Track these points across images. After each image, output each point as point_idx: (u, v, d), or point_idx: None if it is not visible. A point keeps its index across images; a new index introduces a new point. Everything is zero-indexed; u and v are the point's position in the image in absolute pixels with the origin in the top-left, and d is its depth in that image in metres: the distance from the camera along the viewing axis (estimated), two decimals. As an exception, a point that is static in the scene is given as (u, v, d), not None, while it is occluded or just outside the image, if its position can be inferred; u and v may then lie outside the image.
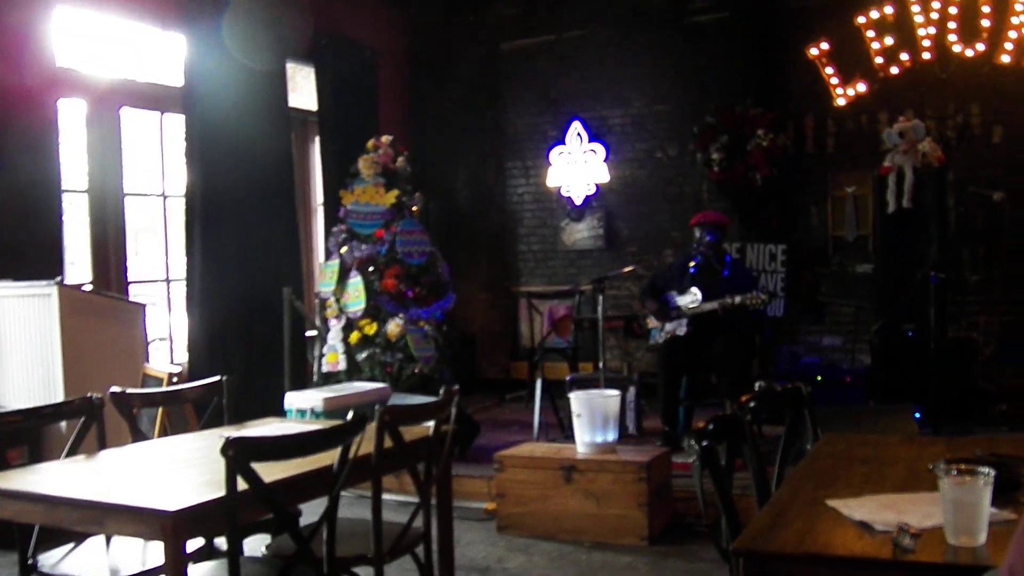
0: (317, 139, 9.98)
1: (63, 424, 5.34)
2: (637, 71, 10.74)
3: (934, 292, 7.63)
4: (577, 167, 10.79)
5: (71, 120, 7.76)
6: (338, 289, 8.14)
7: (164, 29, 8.28)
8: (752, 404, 3.52)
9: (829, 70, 9.60)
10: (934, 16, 9.08)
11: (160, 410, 6.32)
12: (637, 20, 10.59)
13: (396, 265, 8.06)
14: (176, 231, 8.55)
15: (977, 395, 8.29)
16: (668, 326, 7.71)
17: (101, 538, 3.91)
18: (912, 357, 7.97)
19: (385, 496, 3.90)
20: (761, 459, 3.39)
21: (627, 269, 8.74)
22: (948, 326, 8.39)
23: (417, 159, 9.03)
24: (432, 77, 11.38)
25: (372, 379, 7.83)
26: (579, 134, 10.77)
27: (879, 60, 9.35)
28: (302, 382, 8.32)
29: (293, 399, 7.11)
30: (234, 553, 3.18)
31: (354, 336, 7.98)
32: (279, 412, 7.00)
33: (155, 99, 8.41)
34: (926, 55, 9.19)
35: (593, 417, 6.33)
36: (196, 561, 3.80)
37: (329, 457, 3.45)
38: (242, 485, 3.09)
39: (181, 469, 3.78)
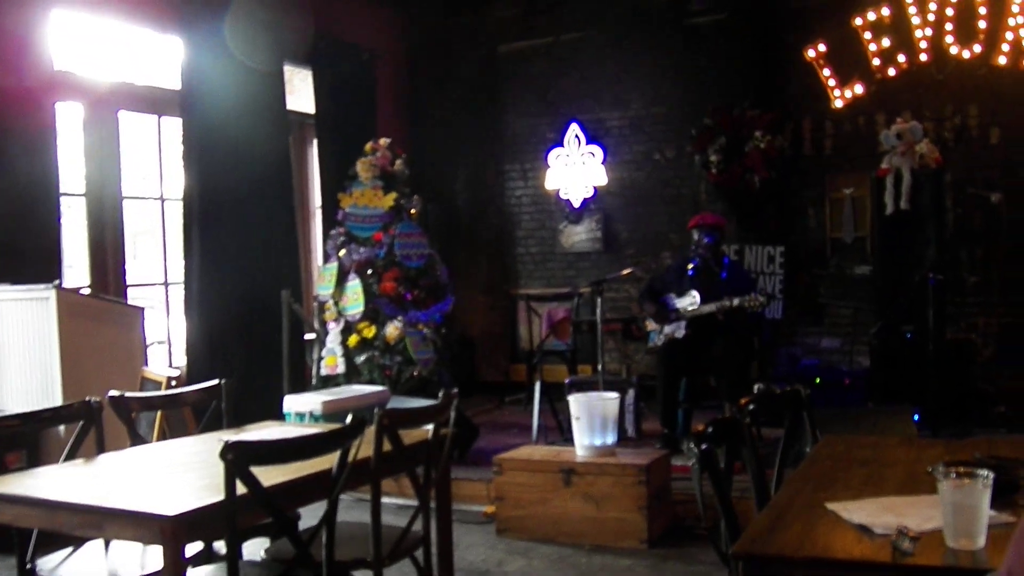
0: (315, 142, 9.98)
1: (61, 428, 5.34)
2: (635, 73, 10.75)
3: (932, 294, 7.64)
4: (575, 169, 10.79)
5: (69, 123, 7.76)
6: (337, 292, 8.14)
7: (161, 32, 8.28)
8: (751, 406, 3.52)
9: (827, 72, 9.61)
10: (931, 18, 9.09)
11: (159, 414, 6.32)
12: (635, 22, 10.59)
13: (395, 268, 8.06)
14: (174, 234, 8.55)
15: (976, 397, 8.29)
16: (667, 328, 7.71)
17: (100, 542, 3.91)
18: (911, 359, 7.98)
19: (384, 499, 3.90)
20: (760, 461, 3.39)
21: (625, 271, 8.72)
22: (947, 328, 8.40)
23: (415, 162, 9.03)
24: (430, 79, 11.38)
25: (371, 382, 7.83)
26: (577, 136, 10.77)
27: (876, 62, 9.36)
28: (301, 385, 8.32)
29: (292, 402, 7.11)
30: (233, 557, 3.17)
31: (353, 339, 7.98)
32: (278, 415, 7.00)
33: (153, 102, 8.41)
34: (923, 57, 9.20)
35: (592, 420, 6.33)
36: (195, 565, 3.80)
37: (328, 461, 3.45)
38: (241, 489, 3.09)
39: (180, 473, 3.77)
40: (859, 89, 9.50)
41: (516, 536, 6.31)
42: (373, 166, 8.29)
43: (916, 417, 6.70)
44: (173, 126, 8.47)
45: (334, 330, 8.12)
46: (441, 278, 8.40)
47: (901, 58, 9.26)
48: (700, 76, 10.37)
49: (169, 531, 3.02)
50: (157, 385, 6.60)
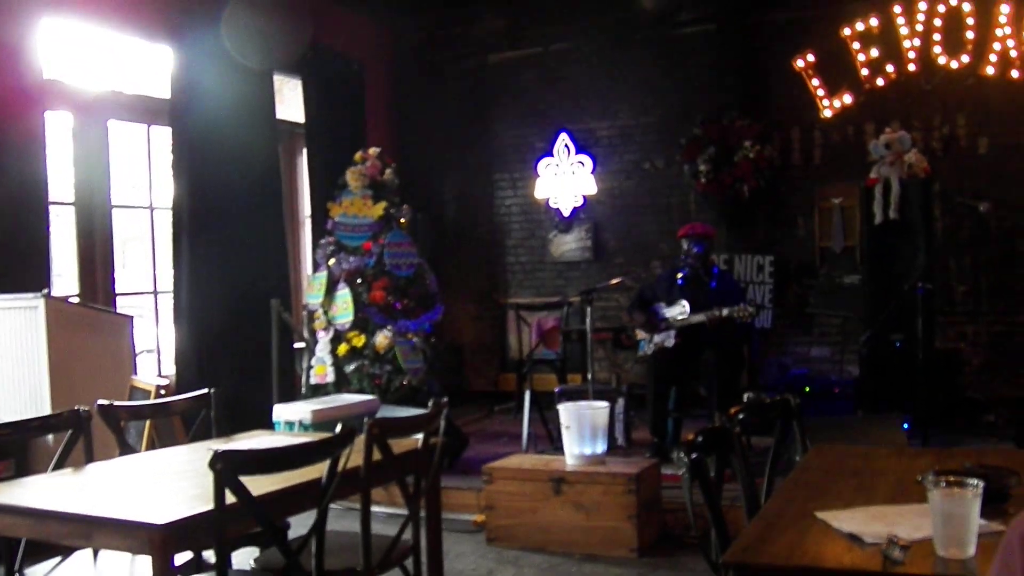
0: (305, 151, 9.96)
1: (50, 437, 5.31)
2: (624, 83, 10.77)
3: (921, 303, 7.66)
4: (565, 179, 10.80)
5: (58, 132, 7.74)
6: (326, 301, 8.13)
7: (151, 41, 8.27)
8: (741, 415, 3.52)
9: (815, 82, 9.63)
10: (919, 28, 9.12)
11: (148, 423, 6.29)
12: (624, 32, 10.61)
13: (384, 277, 8.06)
14: (163, 243, 8.53)
15: (965, 405, 8.33)
16: (656, 338, 7.71)
17: (88, 552, 3.90)
18: (900, 368, 8.00)
19: (374, 508, 3.89)
20: (750, 470, 3.39)
21: (615, 281, 8.74)
22: (936, 336, 8.42)
23: (405, 171, 9.02)
24: (420, 89, 11.38)
25: (360, 391, 7.81)
26: (567, 146, 10.78)
27: (865, 72, 9.38)
28: (290, 394, 8.30)
29: (281, 411, 7.10)
30: (222, 567, 3.17)
31: (342, 348, 7.97)
32: (267, 424, 6.98)
33: (142, 111, 8.39)
34: (912, 67, 9.22)
35: (582, 429, 6.33)
36: (184, 575, 3.79)
37: (318, 470, 3.44)
38: (230, 498, 3.08)
39: (169, 482, 3.76)
40: (848, 99, 9.52)
41: (506, 545, 6.30)
42: (363, 175, 8.28)
43: (905, 426, 6.72)
44: (163, 135, 8.45)
45: (323, 339, 8.11)
46: (431, 287, 8.40)
47: (889, 68, 9.29)
48: (689, 86, 10.39)
49: (158, 540, 3.01)
50: (146, 394, 6.58)
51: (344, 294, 8.03)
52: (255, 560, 3.97)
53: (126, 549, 3.38)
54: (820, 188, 9.91)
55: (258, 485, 3.22)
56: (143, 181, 8.67)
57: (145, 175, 8.61)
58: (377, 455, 3.76)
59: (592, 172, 10.73)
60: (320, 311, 8.17)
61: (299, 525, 3.85)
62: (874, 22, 9.27)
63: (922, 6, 9.07)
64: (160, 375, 8.40)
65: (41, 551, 3.80)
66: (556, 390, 7.99)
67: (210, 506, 3.08)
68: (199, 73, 8.30)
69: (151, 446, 6.18)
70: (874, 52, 9.32)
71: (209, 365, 8.20)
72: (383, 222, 8.20)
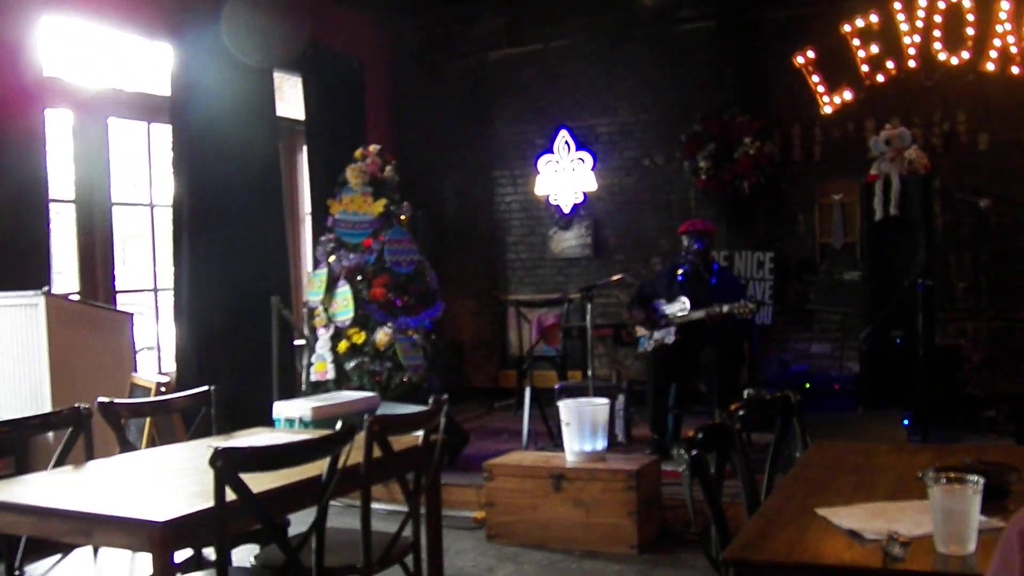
0: (305, 148, 9.96)
1: (50, 435, 5.32)
2: (624, 80, 10.76)
3: (922, 299, 7.66)
4: (565, 175, 10.80)
5: (58, 129, 7.74)
6: (326, 298, 8.13)
7: (151, 39, 8.27)
8: (741, 412, 3.52)
9: (815, 78, 9.62)
10: (919, 25, 9.11)
11: (148, 420, 6.29)
12: (623, 29, 10.60)
13: (384, 274, 8.06)
14: (164, 240, 8.53)
15: (965, 401, 8.33)
16: (656, 334, 7.71)
17: (89, 549, 3.90)
18: (900, 364, 8.00)
19: (374, 505, 3.89)
20: (750, 467, 3.40)
21: (615, 277, 8.73)
22: (936, 333, 8.41)
23: (405, 168, 9.02)
24: (420, 87, 11.37)
25: (361, 388, 7.81)
26: (567, 143, 10.77)
27: (865, 68, 9.37)
28: (290, 391, 8.30)
29: (281, 408, 7.10)
30: (222, 564, 3.17)
31: (342, 345, 7.97)
32: (268, 422, 6.99)
33: (143, 109, 8.39)
34: (912, 63, 9.22)
35: (582, 425, 6.33)
36: (184, 572, 3.80)
37: (318, 467, 3.44)
38: (231, 495, 3.08)
39: (169, 479, 3.77)
40: (848, 95, 9.52)
41: (506, 542, 6.30)
42: (363, 172, 8.28)
43: (906, 422, 6.73)
44: (163, 132, 8.45)
45: (324, 336, 8.11)
46: (431, 284, 8.40)
47: (890, 65, 9.28)
48: (689, 83, 10.38)
49: (158, 538, 3.01)
50: (146, 391, 6.58)
51: (344, 291, 8.03)
52: (255, 557, 3.97)
53: (126, 546, 3.38)
54: (820, 184, 9.90)
55: (258, 482, 3.22)
56: (143, 179, 8.67)
57: (145, 172, 8.60)
58: (377, 452, 3.76)
59: (592, 169, 10.73)
60: (320, 308, 8.17)
61: (299, 522, 3.85)
62: (874, 18, 9.26)
63: (922, 2, 9.07)
64: (160, 372, 8.40)
65: (41, 548, 3.81)
66: (556, 387, 7.99)
67: (210, 503, 3.08)
68: (199, 71, 8.30)
69: (151, 444, 6.19)
70: (874, 48, 9.31)
71: (209, 362, 8.21)
72: (383, 219, 8.20)
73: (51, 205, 7.34)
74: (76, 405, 4.21)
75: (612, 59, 10.76)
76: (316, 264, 8.53)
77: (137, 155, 8.77)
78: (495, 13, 10.97)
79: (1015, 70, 8.84)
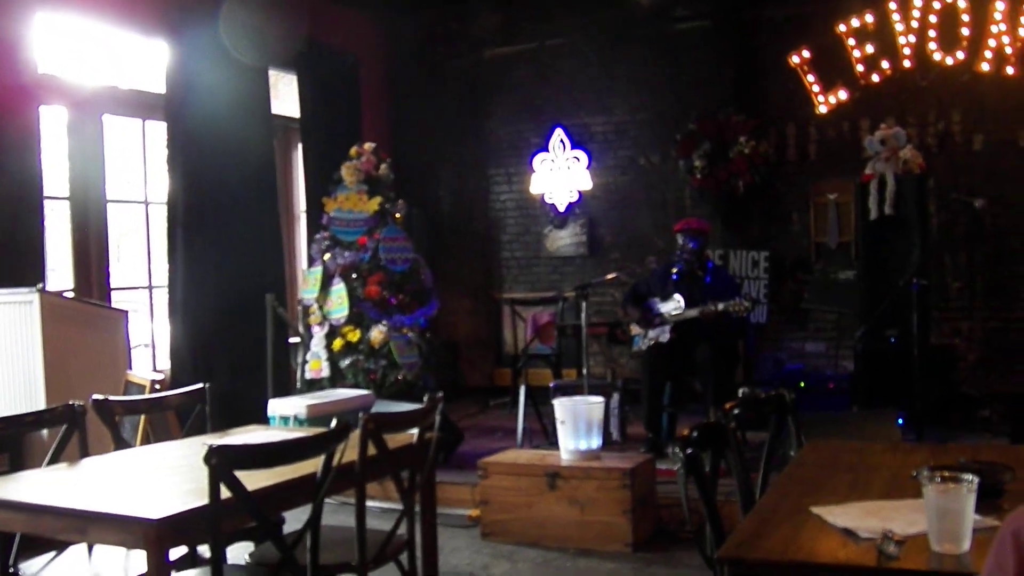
0: (300, 146, 9.96)
1: (45, 432, 5.31)
2: (620, 78, 10.76)
3: (916, 298, 7.66)
4: (560, 174, 10.79)
5: (53, 127, 7.73)
6: (321, 296, 8.12)
7: (147, 36, 8.26)
8: (736, 411, 3.52)
9: (810, 78, 9.62)
10: (914, 25, 9.11)
11: (143, 418, 6.29)
12: (619, 28, 10.60)
13: (379, 272, 8.05)
14: (158, 238, 8.52)
15: (960, 401, 8.34)
16: (651, 333, 7.71)
17: (83, 546, 3.90)
18: (895, 363, 8.00)
19: (369, 503, 3.89)
20: (745, 466, 3.40)
21: (610, 276, 8.73)
22: (931, 332, 8.44)
23: (400, 166, 9.03)
24: (415, 84, 11.37)
25: (355, 386, 7.81)
26: (562, 141, 10.77)
27: (860, 68, 9.37)
28: (285, 389, 8.30)
29: (276, 406, 7.09)
30: (217, 561, 3.17)
31: (337, 343, 7.97)
32: (262, 419, 6.98)
33: (137, 106, 8.39)
34: (907, 63, 9.22)
35: (577, 424, 6.34)
36: (179, 569, 3.79)
37: (313, 465, 3.44)
38: (225, 493, 3.08)
39: (164, 477, 3.76)
40: (843, 95, 9.52)
41: (501, 540, 6.30)
42: (358, 170, 8.28)
43: (900, 421, 6.73)
44: (158, 130, 8.44)
45: (319, 334, 8.11)
46: (426, 282, 8.39)
47: (885, 64, 9.29)
48: (684, 82, 10.38)
49: (153, 535, 3.01)
50: (141, 389, 6.58)
51: (339, 289, 8.03)
52: (250, 555, 3.97)
53: (121, 544, 3.38)
54: (815, 184, 9.91)
55: (253, 480, 3.21)
56: (138, 176, 8.66)
57: (140, 170, 8.59)
58: (372, 450, 3.76)
59: (587, 167, 10.72)
60: (315, 306, 8.16)
61: (294, 520, 3.85)
62: (869, 18, 9.26)
63: (917, 2, 9.06)
64: (155, 370, 8.39)
65: (36, 546, 3.80)
66: (551, 385, 8.00)
67: (205, 501, 3.08)
68: (194, 68, 8.29)
69: (146, 441, 6.18)
70: (869, 48, 9.31)
71: (204, 360, 8.21)
72: (378, 217, 8.19)
73: (46, 202, 7.34)
74: (71, 402, 4.21)
75: (608, 58, 10.76)
76: (311, 262, 8.52)
77: (132, 152, 8.75)
78: (491, 11, 10.96)
79: (1010, 70, 8.84)
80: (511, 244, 11.48)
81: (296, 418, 6.88)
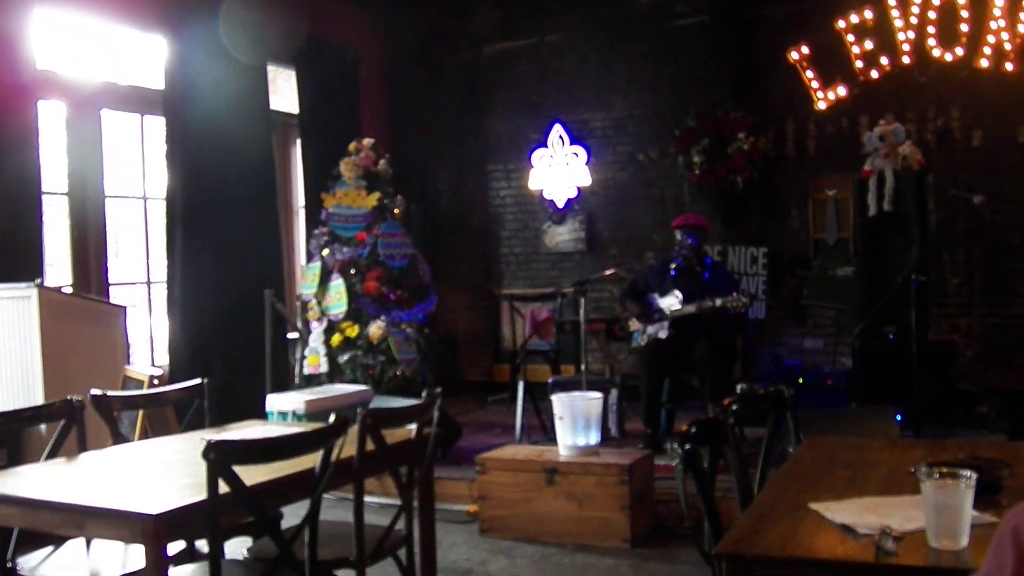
0: (298, 142, 9.96)
1: (43, 427, 5.31)
2: (619, 74, 10.76)
3: (915, 295, 7.66)
4: (559, 170, 10.79)
5: (52, 122, 7.73)
6: (320, 291, 8.12)
7: (145, 31, 8.26)
8: (734, 407, 3.52)
9: (810, 74, 9.63)
10: (914, 21, 9.12)
11: (141, 413, 6.29)
12: (618, 24, 10.60)
13: (378, 267, 8.05)
14: (157, 233, 8.52)
15: (958, 397, 8.34)
16: (650, 329, 7.71)
17: (81, 541, 3.89)
18: (893, 360, 8.00)
19: (367, 498, 3.89)
20: (743, 462, 3.40)
21: (609, 272, 8.73)
22: (929, 329, 8.43)
23: (399, 162, 9.02)
24: (414, 80, 11.37)
25: (354, 381, 7.82)
26: (561, 137, 10.76)
27: (859, 64, 9.39)
28: (284, 384, 8.30)
29: (275, 401, 7.10)
30: (215, 556, 3.16)
31: (336, 338, 7.97)
32: (261, 414, 6.98)
33: (136, 101, 8.38)
34: (906, 59, 9.23)
35: (575, 419, 6.34)
36: (177, 564, 3.79)
37: (311, 460, 3.44)
38: (223, 488, 3.08)
39: (162, 472, 3.76)
40: (842, 91, 9.53)
41: (499, 535, 6.30)
42: (356, 166, 8.27)
43: (899, 418, 6.74)
44: (156, 125, 8.44)
45: (317, 329, 8.11)
46: (424, 278, 8.39)
47: (884, 60, 9.30)
48: (683, 78, 10.38)
49: (151, 530, 3.00)
50: (139, 384, 6.58)
51: (338, 284, 8.03)
52: (248, 550, 3.97)
53: (119, 539, 3.38)
54: (814, 180, 9.91)
55: (251, 475, 3.21)
56: (136, 171, 8.65)
57: (138, 165, 8.59)
58: (370, 445, 3.76)
59: (586, 163, 10.72)
60: (314, 301, 8.16)
61: (292, 515, 3.85)
62: (868, 14, 9.27)
63: (916, -2, 9.09)
64: (153, 365, 8.39)
65: (34, 540, 3.80)
66: (549, 381, 7.99)
67: (203, 496, 3.07)
68: (193, 64, 8.29)
69: (144, 436, 6.19)
70: (868, 44, 9.32)
71: (202, 355, 8.21)
72: (377, 213, 8.19)
73: (44, 198, 7.34)
74: (69, 397, 4.20)
75: (607, 54, 10.75)
76: (309, 257, 8.52)
77: (130, 148, 8.75)
78: (489, 7, 10.96)
79: (1009, 66, 8.85)
80: (510, 240, 11.48)
81: (294, 413, 6.88)
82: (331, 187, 8.37)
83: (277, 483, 3.43)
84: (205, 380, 4.78)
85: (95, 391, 4.34)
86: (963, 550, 2.39)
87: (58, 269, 8.22)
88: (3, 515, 3.41)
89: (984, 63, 8.94)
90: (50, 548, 3.89)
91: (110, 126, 8.25)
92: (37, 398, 5.90)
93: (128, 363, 7.02)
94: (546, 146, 10.83)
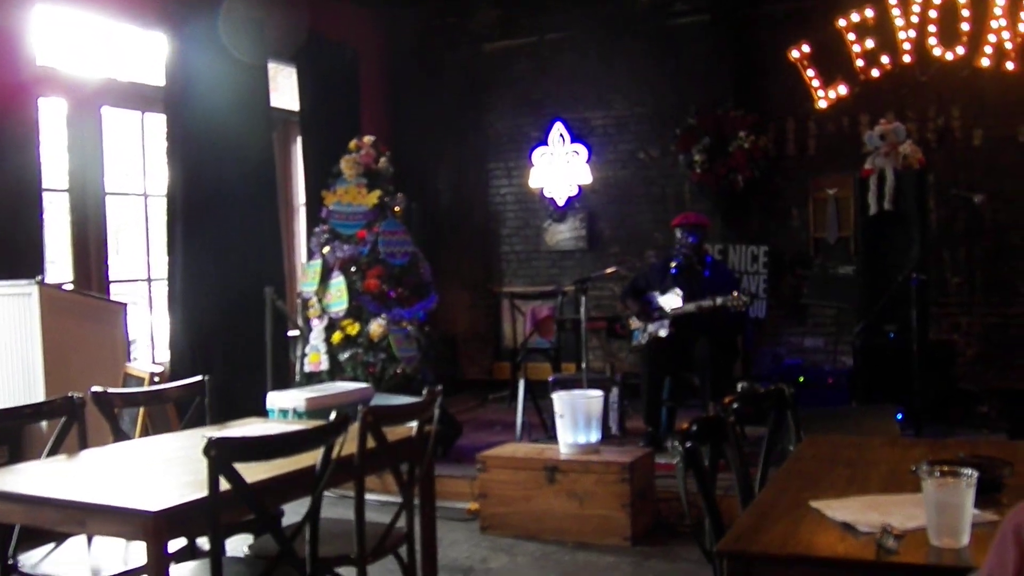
0: (299, 139, 9.95)
1: (44, 424, 5.32)
2: (619, 73, 10.75)
3: (915, 294, 7.66)
4: (559, 168, 10.79)
5: (52, 119, 7.72)
6: (320, 289, 8.13)
7: (146, 28, 8.25)
8: (735, 405, 3.52)
9: (810, 72, 9.63)
10: (914, 20, 9.11)
11: (142, 410, 6.28)
12: (619, 22, 10.59)
13: (378, 265, 8.05)
14: (158, 230, 8.51)
15: (959, 396, 8.34)
16: (651, 327, 7.71)
17: (82, 538, 3.90)
18: (894, 359, 8.00)
19: (368, 496, 3.89)
20: (744, 460, 3.40)
21: (609, 270, 8.74)
22: (929, 328, 8.43)
23: (399, 159, 9.01)
24: (415, 78, 11.36)
25: (355, 379, 7.82)
26: (561, 135, 10.76)
27: (860, 63, 9.38)
28: (284, 382, 8.30)
29: (275, 399, 7.10)
30: (216, 553, 3.16)
31: (336, 336, 7.97)
32: (261, 412, 6.98)
33: (137, 98, 8.37)
34: (907, 58, 9.22)
35: (576, 418, 6.34)
36: (178, 561, 3.79)
37: (312, 457, 3.44)
38: (224, 485, 3.08)
39: (163, 469, 3.76)
40: (843, 90, 9.53)
41: (500, 533, 6.31)
42: (357, 164, 8.27)
43: (899, 416, 6.73)
44: (157, 122, 8.43)
45: (318, 327, 8.11)
46: (425, 276, 8.40)
47: (885, 59, 9.29)
48: (684, 76, 10.38)
49: (152, 527, 3.00)
50: (140, 381, 6.58)
51: (338, 282, 8.03)
52: (249, 547, 3.97)
53: (120, 536, 3.38)
54: (815, 179, 9.91)
55: (252, 472, 3.21)
56: (137, 168, 8.65)
57: (139, 162, 8.58)
58: (371, 443, 3.76)
59: (587, 161, 10.72)
60: (314, 299, 8.16)
61: (293, 512, 3.85)
62: (869, 13, 9.26)
63: (917, -3, 9.08)
64: (154, 362, 8.37)
65: (35, 537, 3.80)
66: (550, 379, 8.00)
67: (204, 493, 3.08)
68: (194, 60, 8.28)
69: (145, 433, 6.18)
70: (869, 43, 9.31)
71: (203, 352, 8.20)
72: (377, 210, 8.19)
73: (44, 195, 7.33)
74: (70, 394, 4.20)
75: (607, 52, 10.75)
76: (310, 255, 8.53)
77: (131, 145, 8.75)
78: (490, 5, 10.95)
79: (1010, 66, 8.84)
80: (510, 238, 11.48)
81: (295, 411, 6.88)
82: (332, 185, 8.37)
83: (278, 480, 3.43)
84: (206, 377, 4.79)
85: (96, 388, 4.35)
86: (964, 548, 2.40)
87: (59, 266, 8.21)
88: (4, 512, 3.41)
89: (985, 62, 8.93)
90: (51, 545, 3.90)
91: (111, 123, 8.24)
92: (38, 395, 5.90)
93: (129, 360, 7.01)
94: (547, 144, 10.83)
